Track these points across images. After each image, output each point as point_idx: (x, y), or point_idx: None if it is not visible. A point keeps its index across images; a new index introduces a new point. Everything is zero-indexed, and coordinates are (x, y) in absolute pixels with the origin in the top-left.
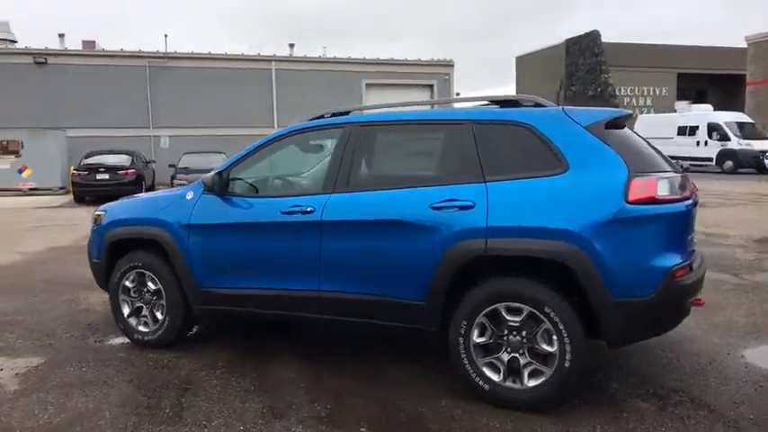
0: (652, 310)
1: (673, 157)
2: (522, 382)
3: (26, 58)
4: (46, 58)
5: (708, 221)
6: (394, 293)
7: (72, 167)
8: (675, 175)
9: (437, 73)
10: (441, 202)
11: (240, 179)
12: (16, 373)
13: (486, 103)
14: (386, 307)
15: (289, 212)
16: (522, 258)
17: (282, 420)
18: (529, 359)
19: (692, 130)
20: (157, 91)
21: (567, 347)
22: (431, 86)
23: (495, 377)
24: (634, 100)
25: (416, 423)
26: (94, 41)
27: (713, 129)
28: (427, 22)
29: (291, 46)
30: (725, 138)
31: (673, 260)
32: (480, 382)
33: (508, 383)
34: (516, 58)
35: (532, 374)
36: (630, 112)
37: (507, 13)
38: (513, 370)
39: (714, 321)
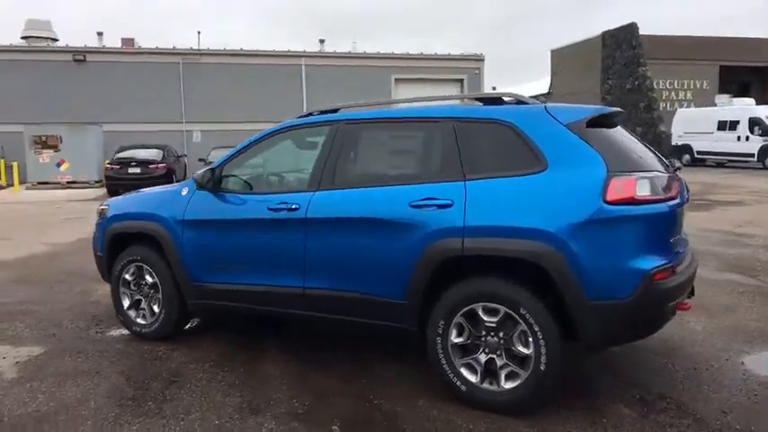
0: (630, 314)
1: (712, 153)
2: (498, 383)
3: (66, 55)
4: (85, 56)
5: (739, 220)
6: (375, 292)
7: (106, 161)
8: (660, 174)
9: (467, 68)
10: (420, 200)
11: (231, 176)
12: (17, 362)
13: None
14: (368, 305)
15: (276, 209)
16: (499, 258)
17: (258, 416)
18: (506, 361)
19: (733, 125)
20: (190, 87)
21: (543, 350)
22: (461, 81)
23: (472, 378)
24: (673, 93)
25: (391, 422)
26: (133, 39)
27: (755, 123)
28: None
29: (322, 42)
30: (767, 132)
31: (652, 262)
32: (458, 383)
33: (485, 385)
34: (551, 52)
35: (509, 376)
36: (618, 109)
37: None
38: (490, 371)
39: (721, 325)
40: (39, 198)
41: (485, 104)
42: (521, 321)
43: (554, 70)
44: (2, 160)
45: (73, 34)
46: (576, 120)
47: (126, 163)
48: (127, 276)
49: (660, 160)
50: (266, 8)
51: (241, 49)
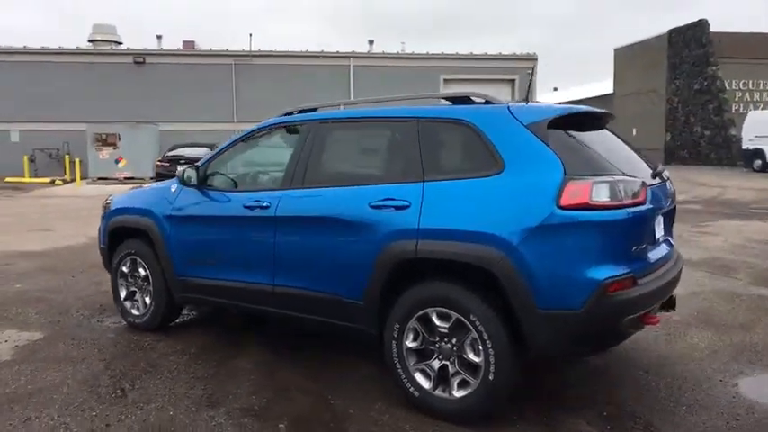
0: (582, 325)
1: None
2: (450, 391)
3: (127, 58)
4: (144, 58)
5: None
6: (338, 292)
7: (157, 159)
8: (623, 179)
9: (519, 67)
10: (379, 200)
11: (214, 173)
12: (15, 346)
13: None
14: (332, 305)
15: (250, 207)
16: (450, 262)
17: (212, 409)
18: (457, 368)
19: None
20: (241, 87)
21: (492, 359)
22: (512, 81)
23: (425, 384)
24: (747, 95)
25: (337, 424)
26: (194, 42)
27: None
28: (523, 14)
29: (371, 43)
30: None
31: (606, 272)
32: (411, 389)
33: (438, 392)
34: (615, 51)
35: (461, 385)
36: (601, 110)
37: (608, 3)
38: (443, 378)
39: (728, 342)
40: (95, 193)
41: (454, 104)
42: (471, 328)
43: (617, 70)
44: (67, 156)
45: (137, 37)
46: (537, 120)
47: (175, 160)
48: (124, 269)
49: (643, 165)
50: (320, 9)
51: (290, 51)
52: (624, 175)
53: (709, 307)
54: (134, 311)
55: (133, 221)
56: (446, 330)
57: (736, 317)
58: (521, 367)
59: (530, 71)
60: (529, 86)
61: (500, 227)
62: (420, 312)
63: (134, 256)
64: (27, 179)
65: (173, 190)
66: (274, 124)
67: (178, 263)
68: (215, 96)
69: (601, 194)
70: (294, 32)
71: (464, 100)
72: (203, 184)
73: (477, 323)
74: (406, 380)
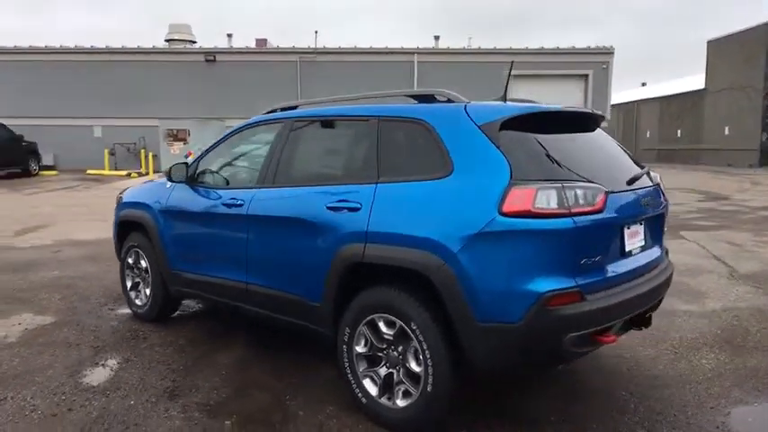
0: (520, 341)
1: None
2: (394, 400)
3: (198, 56)
4: (215, 56)
5: None
6: (300, 293)
7: None
8: (579, 185)
9: (594, 62)
10: (335, 202)
11: (203, 171)
12: (25, 329)
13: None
14: (295, 306)
15: (228, 205)
16: (393, 268)
17: (171, 401)
18: (401, 377)
19: None
20: (307, 84)
21: (430, 370)
22: (585, 77)
23: (372, 391)
24: None
25: (283, 425)
26: (266, 39)
27: None
28: (612, 8)
29: (437, 38)
30: None
31: (547, 285)
32: (359, 395)
33: (383, 400)
34: (708, 43)
35: (405, 394)
36: (560, 108)
37: None
38: (389, 386)
39: (738, 366)
40: None
41: (419, 102)
42: (413, 337)
43: (710, 64)
44: (143, 150)
45: (210, 36)
46: (491, 120)
47: None
48: (129, 260)
49: (625, 172)
50: (405, 8)
51: (355, 47)
52: (584, 181)
53: (735, 326)
54: (137, 302)
55: (135, 215)
56: (391, 338)
57: (762, 339)
58: (461, 381)
59: (605, 65)
60: (507, 81)
61: (441, 233)
62: (368, 318)
63: (137, 249)
64: (107, 172)
65: (168, 186)
66: (256, 123)
67: (171, 257)
68: (280, 93)
69: (545, 201)
70: (372, 30)
71: (428, 98)
72: (193, 180)
73: (418, 332)
74: (355, 385)
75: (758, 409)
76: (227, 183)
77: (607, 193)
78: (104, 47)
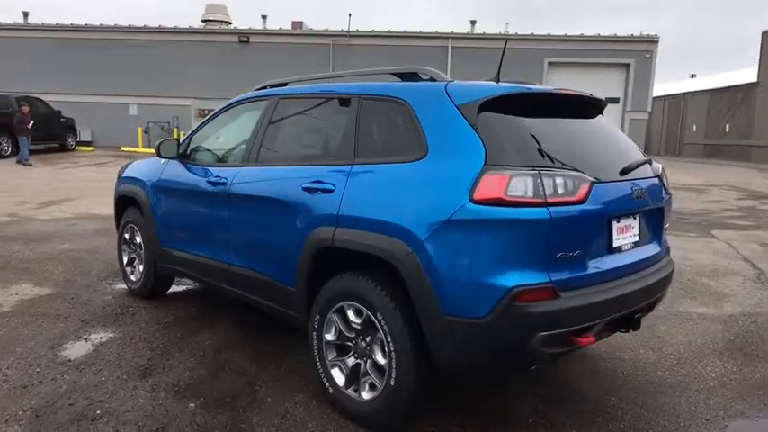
0: (486, 338)
1: None
2: (360, 392)
3: (233, 37)
4: (248, 38)
5: None
6: (276, 276)
7: None
8: (560, 172)
9: (636, 51)
10: (311, 182)
11: (193, 147)
12: (20, 299)
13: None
14: (272, 289)
15: (213, 182)
16: (360, 254)
17: (141, 379)
18: (367, 369)
19: None
20: (338, 67)
21: (394, 363)
22: (627, 66)
23: (340, 381)
24: None
25: (247, 410)
26: (302, 22)
27: None
28: None
29: (473, 23)
30: None
31: (516, 280)
32: (327, 384)
33: (350, 391)
34: (763, 34)
35: (371, 387)
36: (552, 90)
37: None
38: (356, 377)
39: (749, 376)
40: None
41: (403, 80)
42: (379, 328)
43: (764, 55)
44: (176, 129)
45: (248, 17)
46: (470, 101)
47: None
48: (126, 236)
49: (624, 162)
50: None
51: (389, 31)
52: (568, 169)
53: (752, 332)
54: (132, 278)
55: (130, 191)
56: (359, 327)
57: None
58: (428, 377)
59: (648, 54)
60: (501, 60)
61: (410, 219)
62: (337, 305)
63: (132, 225)
64: (140, 149)
65: (162, 162)
66: (244, 99)
67: (162, 234)
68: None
69: (519, 189)
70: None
71: (412, 76)
72: (184, 157)
73: (383, 323)
74: (323, 374)
75: (759, 424)
76: (215, 160)
77: (592, 183)
78: (142, 26)
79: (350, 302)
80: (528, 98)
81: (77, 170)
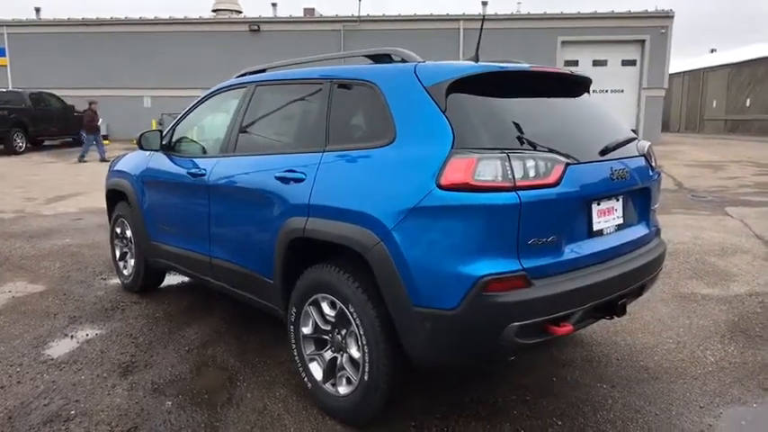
0: (456, 329)
1: None
2: (337, 387)
3: (243, 26)
4: (259, 26)
5: None
6: (256, 268)
7: None
8: (530, 154)
9: (650, 27)
10: (284, 171)
11: (176, 138)
12: (12, 296)
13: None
14: (253, 281)
15: (193, 174)
16: (331, 244)
17: (121, 378)
18: (343, 363)
19: None
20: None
21: (366, 357)
22: (642, 42)
23: (318, 376)
24: None
25: (225, 407)
26: (313, 9)
27: None
28: None
29: (484, 4)
30: None
31: (485, 268)
32: (305, 378)
33: (327, 386)
34: None
35: (348, 381)
36: (527, 68)
37: None
38: (333, 372)
39: (750, 360)
40: None
41: (375, 63)
42: (351, 321)
43: None
44: None
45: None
46: (439, 81)
47: None
48: (117, 230)
49: (606, 143)
50: None
51: (399, 15)
52: (542, 150)
53: (758, 313)
54: (125, 272)
55: (119, 184)
56: (334, 320)
57: None
58: (404, 371)
59: (663, 30)
60: (478, 42)
61: (378, 207)
62: (313, 297)
63: (123, 219)
64: None
65: (147, 154)
66: (224, 88)
67: (150, 227)
68: (323, 62)
69: (487, 173)
70: None
71: (384, 58)
72: (167, 149)
73: (355, 315)
74: (301, 369)
75: (757, 410)
76: (196, 151)
77: (567, 164)
78: (153, 18)
79: (324, 295)
80: (502, 77)
81: (90, 164)
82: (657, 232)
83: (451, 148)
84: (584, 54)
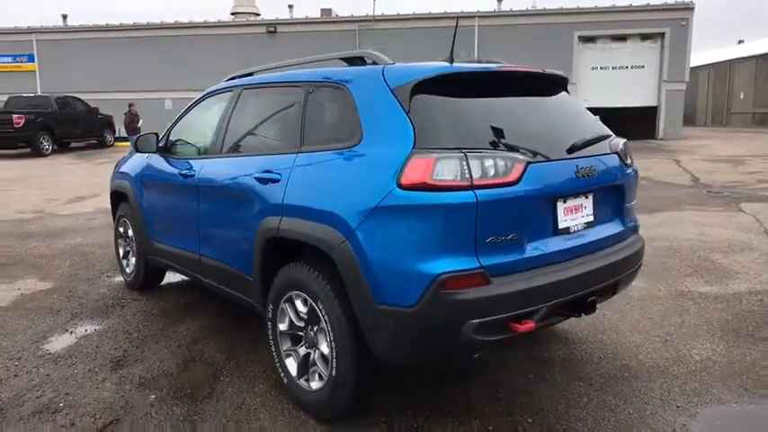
0: (417, 327)
1: None
2: (310, 382)
3: (260, 28)
4: (276, 28)
5: None
6: (239, 266)
7: None
8: (490, 153)
9: (670, 19)
10: (262, 172)
11: (171, 140)
12: (21, 294)
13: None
14: (237, 280)
15: (184, 175)
16: (300, 243)
17: (111, 372)
18: (315, 359)
19: None
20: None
21: (334, 353)
22: (661, 35)
23: (293, 371)
24: None
25: (205, 400)
26: (330, 9)
27: None
28: None
29: (500, 0)
30: None
31: (443, 266)
32: (282, 374)
33: (301, 381)
34: None
35: (319, 377)
36: (495, 68)
37: None
38: (306, 367)
39: (738, 359)
40: None
41: (350, 65)
42: (321, 318)
43: None
44: None
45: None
46: (404, 83)
47: None
48: (120, 230)
49: (575, 140)
50: None
51: (414, 14)
52: (503, 149)
53: (754, 312)
54: (127, 270)
55: (120, 186)
56: (306, 317)
57: None
58: (370, 368)
59: (684, 22)
60: (453, 40)
61: (344, 207)
62: (287, 295)
63: (125, 218)
64: None
65: (146, 156)
66: (214, 91)
67: (148, 226)
68: (339, 63)
69: (445, 172)
70: None
71: (358, 60)
72: (163, 150)
73: (323, 312)
74: (278, 364)
75: (734, 410)
76: (187, 152)
77: (528, 163)
78: (173, 22)
79: (298, 292)
80: (468, 77)
81: (112, 166)
82: (634, 229)
83: (412, 148)
84: (603, 49)
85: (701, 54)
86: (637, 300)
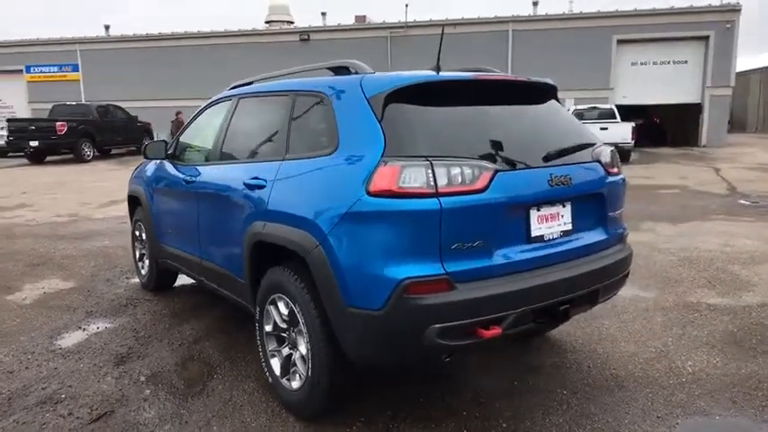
0: (383, 330)
1: None
2: (291, 382)
3: (294, 36)
4: (309, 35)
5: None
6: (232, 269)
7: None
8: (457, 162)
9: (715, 21)
10: (250, 179)
11: (179, 147)
12: (44, 293)
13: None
14: (232, 282)
15: (186, 181)
16: (278, 247)
17: (115, 367)
18: (295, 359)
19: None
20: (397, 59)
21: (310, 354)
22: (705, 39)
23: (277, 371)
24: None
25: (196, 397)
26: (365, 16)
27: None
28: None
29: (535, 4)
30: None
31: (407, 271)
32: (267, 373)
33: (284, 381)
34: None
35: (299, 377)
36: (473, 76)
37: None
38: (288, 367)
39: (732, 371)
40: None
41: (336, 75)
42: (299, 319)
43: None
44: None
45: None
46: (379, 92)
47: None
48: (136, 233)
49: (555, 148)
50: None
51: (447, 19)
52: (471, 158)
53: (761, 326)
54: (143, 272)
55: (135, 191)
56: (287, 319)
57: None
58: (345, 369)
59: (729, 25)
60: (440, 48)
61: (319, 213)
62: (271, 297)
63: (140, 222)
64: None
65: (158, 162)
66: (217, 100)
67: (158, 230)
68: (372, 68)
69: (411, 180)
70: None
71: (343, 70)
72: (172, 157)
73: (301, 314)
74: (264, 364)
75: (716, 422)
76: (191, 159)
77: (496, 171)
78: (210, 31)
79: (280, 295)
80: (445, 86)
81: None
82: (620, 238)
83: (381, 156)
84: (643, 53)
85: (749, 58)
86: (642, 310)
